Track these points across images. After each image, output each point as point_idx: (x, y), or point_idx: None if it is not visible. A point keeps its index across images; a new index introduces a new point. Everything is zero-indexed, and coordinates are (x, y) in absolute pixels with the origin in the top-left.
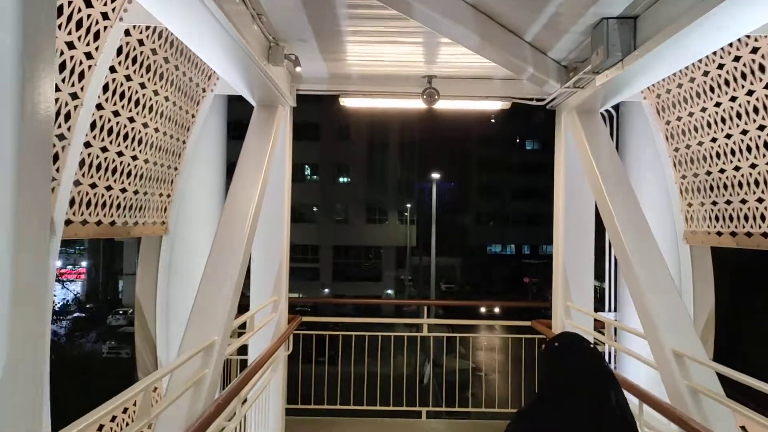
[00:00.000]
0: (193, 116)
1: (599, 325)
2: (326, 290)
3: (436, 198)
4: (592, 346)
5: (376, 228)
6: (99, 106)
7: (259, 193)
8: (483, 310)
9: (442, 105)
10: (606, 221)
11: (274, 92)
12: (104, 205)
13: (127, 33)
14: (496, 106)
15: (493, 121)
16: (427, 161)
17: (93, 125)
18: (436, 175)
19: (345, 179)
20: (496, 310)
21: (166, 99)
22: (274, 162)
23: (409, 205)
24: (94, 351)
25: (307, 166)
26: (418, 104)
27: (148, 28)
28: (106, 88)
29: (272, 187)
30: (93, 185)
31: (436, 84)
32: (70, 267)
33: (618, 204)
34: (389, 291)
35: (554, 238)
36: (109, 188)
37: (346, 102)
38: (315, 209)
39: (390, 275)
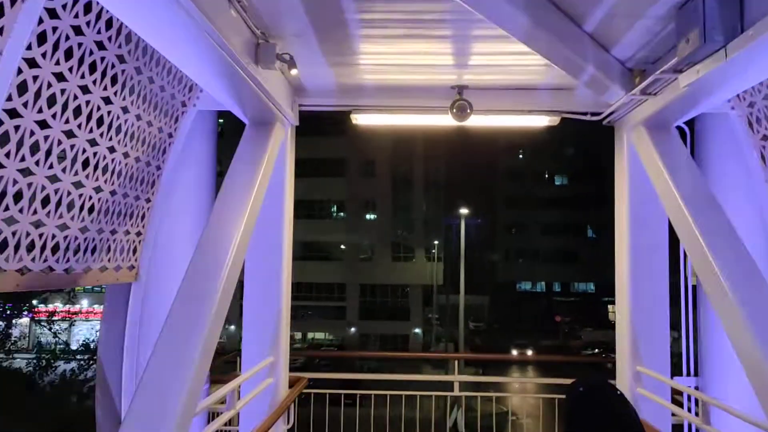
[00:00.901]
0: (170, 135)
1: (675, 393)
2: (353, 329)
3: (464, 234)
4: (619, 393)
5: (402, 266)
6: (43, 124)
7: (243, 230)
8: (515, 353)
9: (476, 121)
10: (697, 261)
11: (269, 106)
12: (52, 248)
13: (78, 32)
14: (541, 122)
15: (521, 156)
16: (453, 197)
17: (35, 147)
18: (464, 211)
19: (371, 216)
20: (529, 353)
21: (138, 117)
22: (270, 192)
23: (436, 242)
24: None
25: (330, 203)
26: (446, 120)
27: (110, 26)
28: (53, 101)
29: (268, 221)
30: (38, 224)
31: (468, 96)
32: (95, 306)
33: (714, 239)
34: (416, 330)
35: (617, 280)
36: (63, 227)
37: (360, 119)
38: (342, 247)
39: (417, 313)
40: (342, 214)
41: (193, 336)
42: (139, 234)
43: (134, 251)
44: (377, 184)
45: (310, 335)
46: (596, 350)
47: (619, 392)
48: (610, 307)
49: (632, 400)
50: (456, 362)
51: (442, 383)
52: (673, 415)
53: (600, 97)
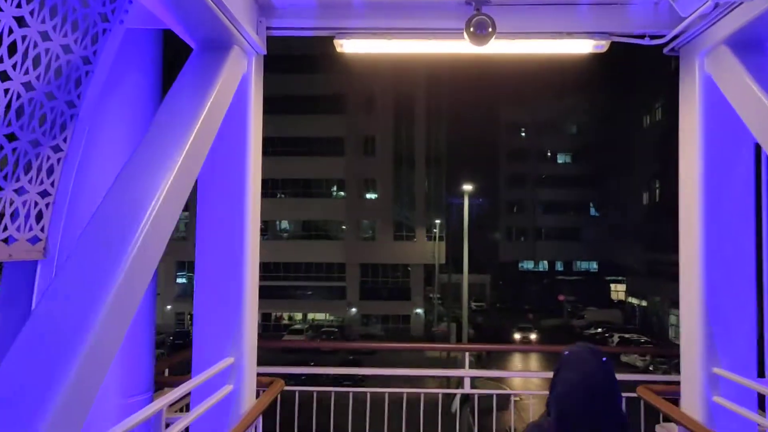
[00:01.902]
0: (86, 62)
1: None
2: (353, 309)
3: (465, 213)
4: (600, 357)
5: (403, 245)
6: None
7: (171, 185)
8: (518, 336)
9: (499, 47)
10: None
11: (225, 25)
12: None
13: None
14: (584, 47)
15: (523, 134)
16: (455, 176)
17: None
18: (468, 187)
19: (372, 195)
20: (533, 336)
21: (43, 36)
22: (226, 142)
23: (437, 221)
24: None
25: (331, 182)
26: (461, 47)
27: None
28: None
29: (225, 181)
30: None
31: (488, 12)
32: None
33: None
34: (418, 310)
35: (682, 255)
36: None
37: (346, 46)
38: (343, 227)
39: (419, 293)
40: (342, 193)
41: (72, 331)
42: (45, 195)
43: (38, 218)
44: (378, 163)
45: (310, 316)
46: (599, 329)
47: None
48: (613, 285)
49: (706, 413)
50: (466, 355)
51: (451, 390)
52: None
53: (664, 16)
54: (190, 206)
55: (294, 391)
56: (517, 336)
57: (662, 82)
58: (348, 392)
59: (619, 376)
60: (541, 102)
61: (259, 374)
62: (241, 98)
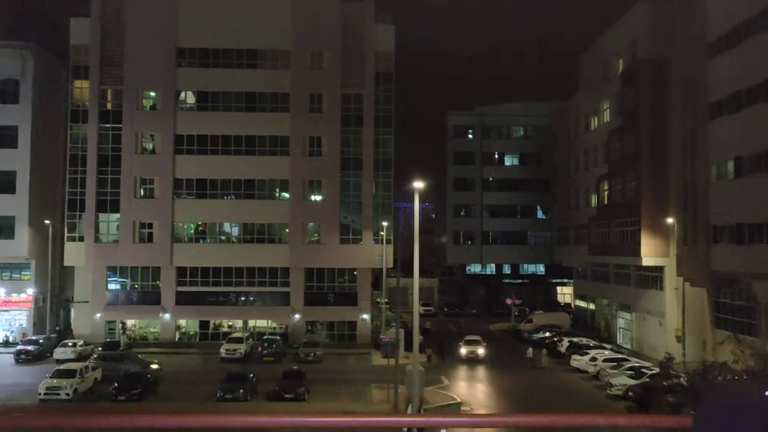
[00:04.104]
0: None
1: None
2: (297, 316)
3: (416, 213)
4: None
5: (350, 248)
6: None
7: None
8: (463, 351)
9: None
10: None
11: None
12: None
13: None
14: None
15: (471, 136)
16: (402, 179)
17: None
18: (418, 184)
19: (317, 197)
20: (481, 351)
21: None
22: None
23: (385, 224)
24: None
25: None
26: None
27: None
28: None
29: None
30: None
31: None
32: (14, 294)
33: None
34: (365, 316)
35: None
36: None
37: None
38: (287, 230)
39: (365, 297)
40: (286, 195)
41: None
42: None
43: None
44: (324, 163)
45: (251, 323)
46: (548, 333)
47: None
48: (559, 288)
49: None
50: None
51: None
52: None
53: None
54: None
55: None
56: (463, 351)
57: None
58: None
59: None
60: (489, 104)
61: None
62: None
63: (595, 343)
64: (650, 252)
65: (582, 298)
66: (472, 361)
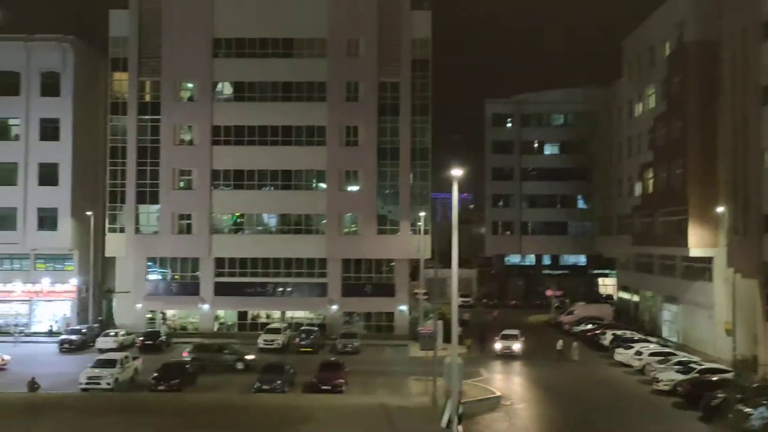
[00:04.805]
0: None
1: None
2: (334, 307)
3: (455, 201)
4: None
5: (387, 239)
6: None
7: None
8: (498, 346)
9: None
10: None
11: None
12: None
13: None
14: None
15: (509, 125)
16: (440, 168)
17: None
18: (457, 172)
19: (354, 187)
20: (515, 347)
21: None
22: None
23: (422, 214)
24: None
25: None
26: None
27: None
28: None
29: None
30: None
31: None
32: (58, 284)
33: None
34: (402, 307)
35: None
36: None
37: None
38: (324, 221)
39: (403, 288)
40: (323, 185)
41: None
42: None
43: None
44: (360, 153)
45: (289, 314)
46: (589, 326)
47: None
48: (601, 279)
49: None
50: None
51: None
52: None
53: None
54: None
55: None
56: (497, 346)
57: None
58: None
59: None
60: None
61: None
62: None
63: (639, 336)
64: (698, 242)
65: (625, 289)
66: (508, 356)
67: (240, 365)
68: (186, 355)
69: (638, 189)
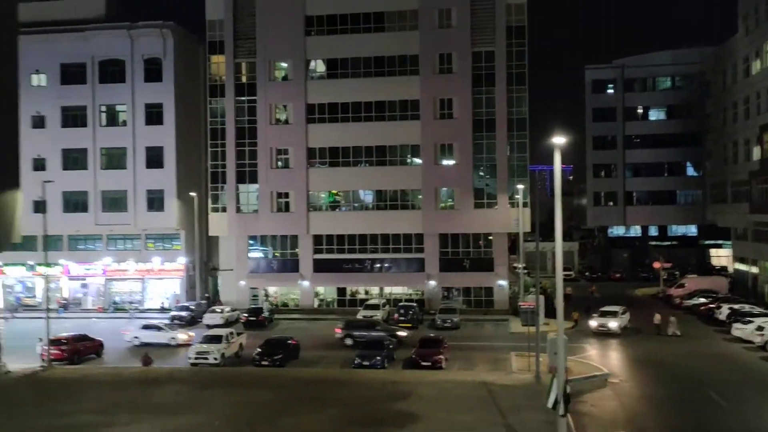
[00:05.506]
0: None
1: None
2: (432, 282)
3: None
4: None
5: (485, 213)
6: None
7: None
8: (593, 324)
9: None
10: None
11: None
12: None
13: None
14: None
15: (611, 90)
16: (537, 138)
17: None
18: (560, 140)
19: (450, 161)
20: (612, 325)
21: None
22: None
23: (521, 186)
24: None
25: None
26: None
27: None
28: None
29: None
30: None
31: None
32: (167, 263)
33: None
34: (502, 282)
35: None
36: None
37: None
38: (420, 196)
39: (502, 263)
40: (418, 160)
41: None
42: None
43: None
44: (454, 125)
45: (387, 290)
46: (702, 299)
47: None
48: (713, 251)
49: None
50: None
51: None
52: None
53: None
54: None
55: None
56: (593, 324)
57: None
58: None
59: None
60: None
61: None
62: None
63: (760, 310)
64: None
65: (742, 260)
66: (604, 335)
67: (392, 343)
68: (339, 332)
69: (756, 153)
